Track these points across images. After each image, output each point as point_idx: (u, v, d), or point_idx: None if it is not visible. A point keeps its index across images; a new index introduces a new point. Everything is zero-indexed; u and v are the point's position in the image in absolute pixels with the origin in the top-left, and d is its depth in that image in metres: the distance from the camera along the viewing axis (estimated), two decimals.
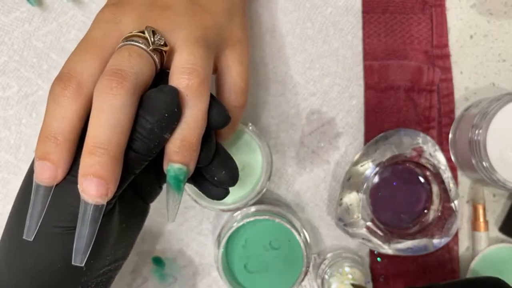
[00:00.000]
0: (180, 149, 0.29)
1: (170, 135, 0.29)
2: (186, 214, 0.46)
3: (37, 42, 0.45)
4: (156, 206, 0.36)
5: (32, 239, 0.28)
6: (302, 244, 0.40)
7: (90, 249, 0.28)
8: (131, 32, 0.30)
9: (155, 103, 0.28)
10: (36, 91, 0.45)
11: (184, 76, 0.29)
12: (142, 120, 0.28)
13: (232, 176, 0.33)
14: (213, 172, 0.32)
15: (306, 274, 0.41)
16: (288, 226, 0.40)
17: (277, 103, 0.45)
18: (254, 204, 0.42)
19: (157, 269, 0.46)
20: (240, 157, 0.41)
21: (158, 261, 0.46)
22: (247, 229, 0.42)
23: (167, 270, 0.46)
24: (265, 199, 0.45)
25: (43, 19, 0.44)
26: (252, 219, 0.40)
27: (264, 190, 0.42)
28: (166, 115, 0.28)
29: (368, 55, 0.45)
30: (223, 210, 0.42)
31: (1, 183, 0.45)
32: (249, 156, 0.41)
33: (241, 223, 0.40)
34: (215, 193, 0.34)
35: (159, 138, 0.28)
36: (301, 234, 0.41)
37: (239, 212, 0.42)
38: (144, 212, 0.35)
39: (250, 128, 0.41)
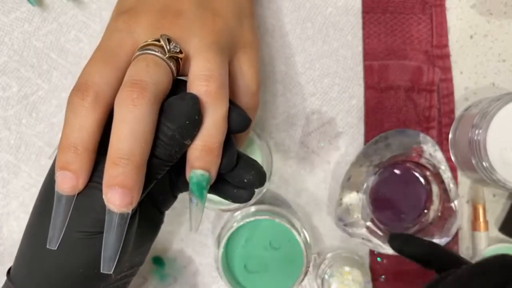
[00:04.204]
0: (202, 154, 0.29)
1: (191, 141, 0.29)
2: (186, 214, 0.46)
3: (37, 42, 0.45)
4: None
5: (56, 248, 0.28)
6: (302, 244, 0.40)
7: (118, 257, 0.28)
8: (146, 41, 0.30)
9: (176, 110, 0.28)
10: (36, 91, 0.45)
11: (202, 82, 0.29)
12: (163, 127, 0.28)
13: (261, 176, 0.32)
14: (241, 176, 0.32)
15: (306, 274, 0.41)
16: (288, 226, 0.40)
17: (277, 103, 0.45)
18: (254, 204, 0.42)
19: (157, 269, 0.46)
20: None
21: (158, 261, 0.46)
22: (247, 229, 0.42)
23: (167, 270, 0.46)
24: (265, 199, 0.45)
25: (43, 19, 0.44)
26: (252, 219, 0.40)
27: (264, 190, 0.42)
28: (187, 122, 0.28)
29: (368, 55, 0.45)
30: (223, 210, 0.42)
31: (1, 183, 0.45)
32: (249, 156, 0.41)
33: (241, 223, 0.40)
34: (241, 195, 0.33)
35: (180, 144, 0.29)
36: (301, 234, 0.41)
37: (239, 212, 0.42)
38: (159, 220, 0.35)
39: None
